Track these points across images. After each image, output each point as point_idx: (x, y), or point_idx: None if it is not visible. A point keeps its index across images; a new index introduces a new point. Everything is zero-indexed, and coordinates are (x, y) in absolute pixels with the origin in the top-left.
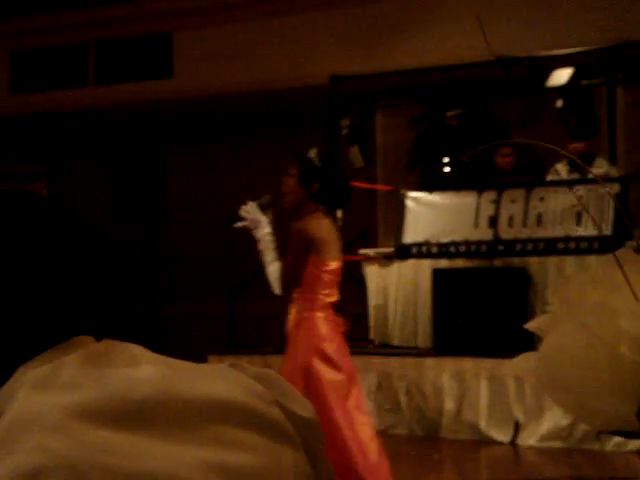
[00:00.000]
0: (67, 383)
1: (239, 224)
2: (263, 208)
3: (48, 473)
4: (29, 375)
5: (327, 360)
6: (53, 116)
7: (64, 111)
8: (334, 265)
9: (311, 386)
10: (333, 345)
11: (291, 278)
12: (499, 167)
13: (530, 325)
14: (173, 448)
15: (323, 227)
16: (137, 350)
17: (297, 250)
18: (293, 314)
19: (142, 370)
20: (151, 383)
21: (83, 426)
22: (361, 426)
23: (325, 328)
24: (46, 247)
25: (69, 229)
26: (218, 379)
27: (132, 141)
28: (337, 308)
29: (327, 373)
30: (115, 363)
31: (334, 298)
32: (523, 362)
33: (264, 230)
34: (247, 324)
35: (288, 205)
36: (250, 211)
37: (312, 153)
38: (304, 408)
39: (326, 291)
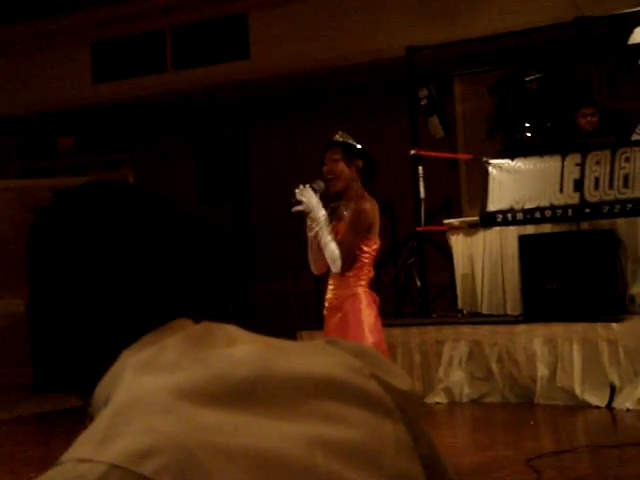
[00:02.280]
0: (170, 365)
1: (296, 208)
2: (316, 191)
3: (157, 453)
4: (133, 358)
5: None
6: (135, 103)
7: (145, 97)
8: (378, 244)
9: None
10: (369, 320)
11: (351, 256)
12: (582, 128)
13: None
14: (276, 424)
15: (376, 208)
16: (234, 330)
17: (360, 230)
18: (341, 290)
19: (241, 350)
20: (250, 362)
21: (188, 406)
22: None
23: (367, 303)
24: (141, 234)
25: (159, 215)
26: (315, 355)
27: (213, 123)
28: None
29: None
30: (214, 344)
31: (372, 274)
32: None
33: (320, 212)
34: None
35: (338, 188)
36: (305, 194)
37: (342, 136)
38: (402, 381)
39: (370, 268)
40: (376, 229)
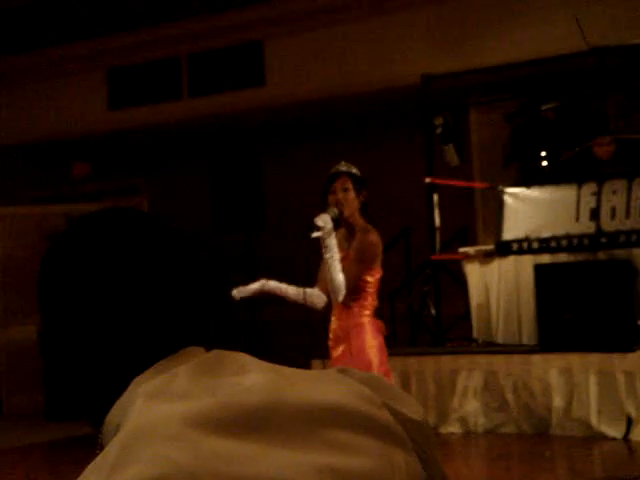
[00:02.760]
0: (181, 393)
1: (316, 234)
2: (331, 218)
3: None
4: (144, 387)
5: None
6: (150, 130)
7: (160, 124)
8: (381, 272)
9: None
10: (374, 350)
11: (352, 287)
12: (599, 157)
13: None
14: (286, 453)
15: (380, 239)
16: (246, 358)
17: (367, 263)
18: (345, 320)
19: (251, 378)
20: (261, 390)
21: (199, 435)
22: None
23: (372, 332)
24: (153, 262)
25: (172, 244)
26: (327, 384)
27: (228, 151)
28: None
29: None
30: (225, 372)
31: (377, 303)
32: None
33: (333, 240)
34: None
35: (347, 216)
36: (325, 221)
37: (345, 166)
38: (414, 410)
39: (375, 297)
40: (380, 259)
